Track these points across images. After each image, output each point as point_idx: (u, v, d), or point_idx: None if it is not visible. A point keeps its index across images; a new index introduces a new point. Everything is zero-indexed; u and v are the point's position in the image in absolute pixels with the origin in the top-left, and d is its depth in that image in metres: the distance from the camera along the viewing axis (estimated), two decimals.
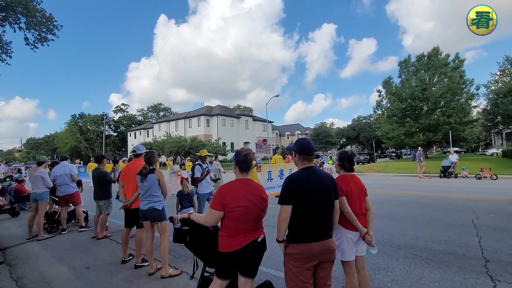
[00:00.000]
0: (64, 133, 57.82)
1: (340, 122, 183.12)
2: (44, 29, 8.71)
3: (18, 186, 8.06)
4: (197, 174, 5.45)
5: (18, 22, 8.26)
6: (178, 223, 2.37)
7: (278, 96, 42.90)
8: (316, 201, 1.96)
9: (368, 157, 32.39)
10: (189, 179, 5.57)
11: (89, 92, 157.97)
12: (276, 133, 62.38)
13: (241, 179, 2.18)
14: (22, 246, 5.03)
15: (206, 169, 5.63)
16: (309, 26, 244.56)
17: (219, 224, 2.17)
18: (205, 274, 2.46)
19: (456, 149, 34.33)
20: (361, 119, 65.47)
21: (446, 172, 14.05)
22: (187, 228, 2.33)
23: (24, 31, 8.41)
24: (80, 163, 20.75)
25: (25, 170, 21.68)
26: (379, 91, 29.95)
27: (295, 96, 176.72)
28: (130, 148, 51.99)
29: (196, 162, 5.65)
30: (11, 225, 6.68)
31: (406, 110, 26.70)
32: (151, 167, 3.58)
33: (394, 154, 41.98)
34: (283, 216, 1.95)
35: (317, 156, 27.96)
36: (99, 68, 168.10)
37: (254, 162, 7.50)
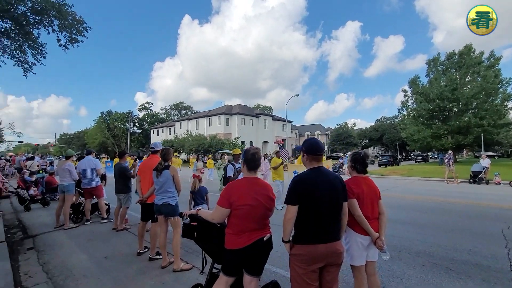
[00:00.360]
0: (94, 129, 61.13)
1: (363, 123, 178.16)
2: (74, 31, 9.33)
3: (49, 178, 8.63)
4: (230, 174, 5.48)
5: (52, 24, 8.92)
6: (187, 218, 2.43)
7: (298, 95, 42.27)
8: (322, 202, 1.92)
9: (391, 160, 31.04)
10: (201, 177, 5.63)
11: (117, 91, 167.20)
12: (296, 133, 61.72)
13: (248, 178, 2.19)
14: (50, 234, 5.40)
15: (239, 168, 5.53)
16: (332, 24, 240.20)
17: (226, 221, 2.20)
18: (214, 270, 2.49)
19: (489, 153, 32.07)
20: (385, 120, 62.93)
21: (476, 178, 13.12)
22: (195, 224, 2.38)
23: (57, 33, 9.08)
24: (107, 158, 21.83)
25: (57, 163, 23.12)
26: (404, 91, 28.74)
27: (317, 95, 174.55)
28: None
29: (228, 162, 5.65)
30: (42, 214, 7.20)
31: (434, 111, 25.38)
32: (167, 163, 3.69)
33: (420, 157, 39.95)
34: (289, 216, 1.93)
35: (337, 157, 27.36)
36: (127, 68, 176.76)
37: (280, 160, 7.57)
